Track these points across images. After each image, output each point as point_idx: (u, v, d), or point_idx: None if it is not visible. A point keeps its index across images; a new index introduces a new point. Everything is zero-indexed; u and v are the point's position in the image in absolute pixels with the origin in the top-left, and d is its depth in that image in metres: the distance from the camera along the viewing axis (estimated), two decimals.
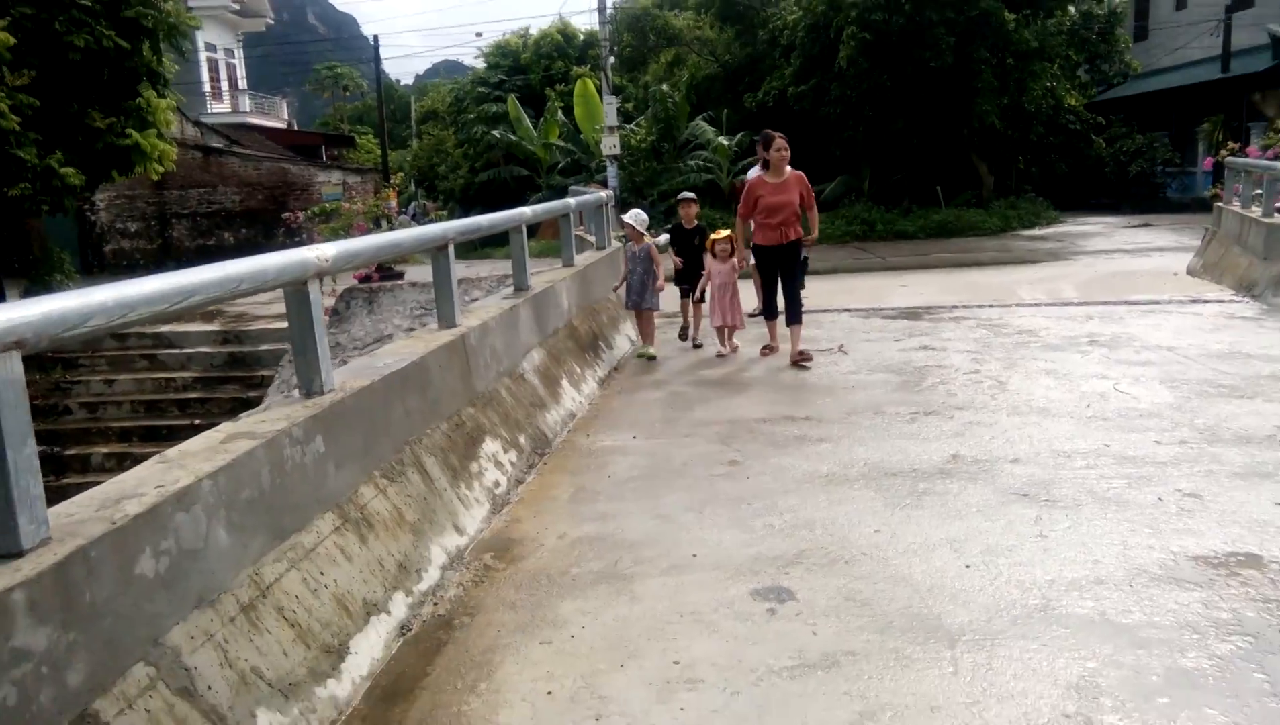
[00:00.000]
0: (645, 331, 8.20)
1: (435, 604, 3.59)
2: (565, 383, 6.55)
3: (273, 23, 42.80)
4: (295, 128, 41.94)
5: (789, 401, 6.48)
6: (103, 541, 2.32)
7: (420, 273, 12.93)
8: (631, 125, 28.18)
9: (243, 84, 38.69)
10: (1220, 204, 12.98)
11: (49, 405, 13.04)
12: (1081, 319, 9.04)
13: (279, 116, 39.89)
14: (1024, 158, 27.96)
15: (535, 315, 6.50)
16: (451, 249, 5.16)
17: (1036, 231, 23.72)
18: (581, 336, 7.58)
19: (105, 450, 12.53)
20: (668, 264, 8.51)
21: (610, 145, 23.09)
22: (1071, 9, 26.01)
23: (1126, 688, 2.82)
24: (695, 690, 2.93)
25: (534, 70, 34.06)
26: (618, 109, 24.08)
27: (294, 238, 20.80)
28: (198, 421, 11.92)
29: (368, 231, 12.90)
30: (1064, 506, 4.26)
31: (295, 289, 3.52)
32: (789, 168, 7.60)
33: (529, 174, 29.26)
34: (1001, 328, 8.78)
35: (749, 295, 8.38)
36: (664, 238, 8.89)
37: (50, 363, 13.35)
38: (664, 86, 27.20)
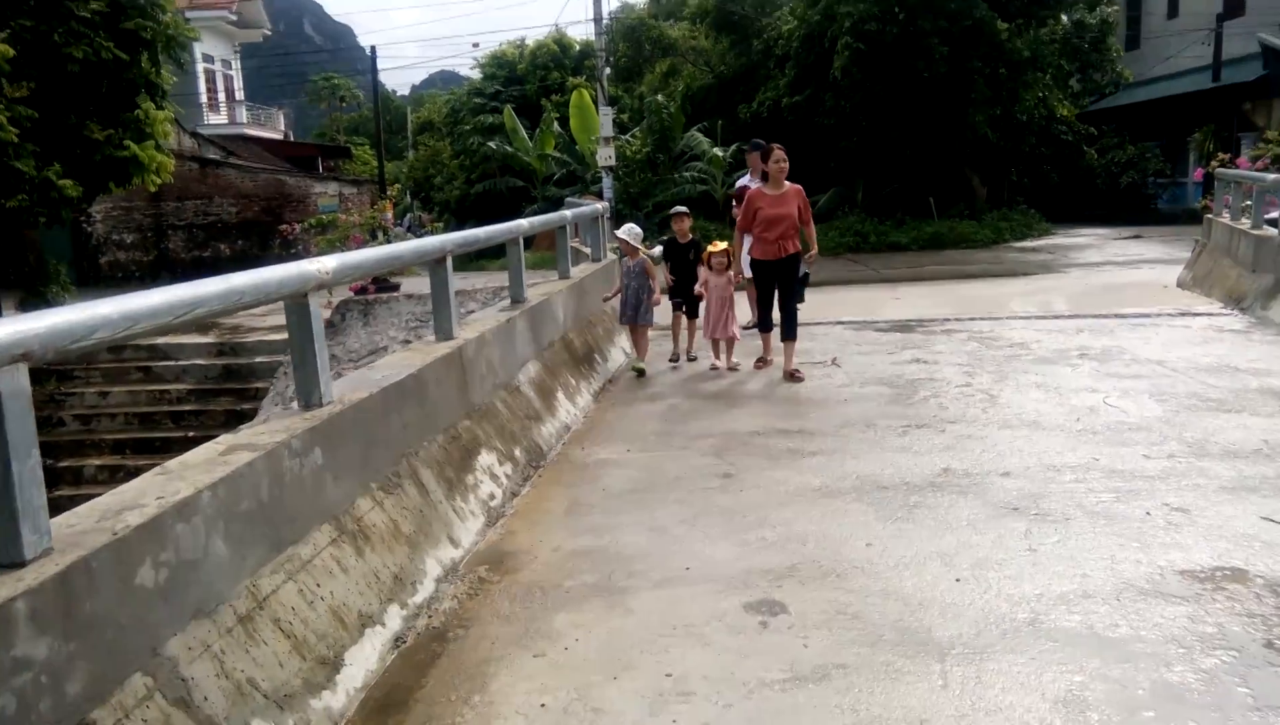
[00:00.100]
0: (639, 346, 8.23)
1: (430, 616, 3.62)
2: (560, 395, 6.59)
3: (270, 34, 42.87)
4: (292, 139, 41.97)
5: (782, 415, 6.52)
6: (104, 552, 2.36)
7: (415, 285, 12.98)
8: (627, 136, 28.28)
9: (240, 95, 38.76)
10: (1210, 216, 13.06)
11: (43, 417, 12.97)
12: (1072, 332, 9.11)
13: (275, 128, 39.94)
14: (1016, 169, 28.14)
15: (531, 328, 6.54)
16: (450, 262, 5.20)
17: (1028, 243, 23.86)
18: (577, 349, 7.62)
19: (98, 462, 12.52)
20: (662, 278, 8.52)
21: (606, 156, 23.17)
22: (1064, 18, 26.22)
23: (1113, 701, 2.86)
24: (688, 702, 2.96)
25: (530, 81, 34.18)
26: (613, 119, 24.18)
27: (290, 250, 20.83)
28: (191, 434, 11.94)
29: (364, 243, 12.95)
30: (1053, 520, 4.30)
31: (296, 301, 3.56)
32: (787, 181, 7.62)
33: (524, 185, 29.35)
34: (993, 341, 8.84)
35: (744, 309, 8.43)
36: (658, 250, 8.87)
37: (45, 375, 13.35)
38: (659, 97, 27.31)
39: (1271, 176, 11.03)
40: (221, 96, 36.52)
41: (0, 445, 2.22)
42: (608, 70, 26.14)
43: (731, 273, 7.96)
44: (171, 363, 13.93)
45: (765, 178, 7.77)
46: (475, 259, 21.66)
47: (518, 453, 5.35)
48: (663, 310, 8.51)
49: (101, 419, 13.38)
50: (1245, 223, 11.06)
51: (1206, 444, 5.33)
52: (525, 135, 28.90)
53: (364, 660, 3.18)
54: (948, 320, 10.40)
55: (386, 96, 59.90)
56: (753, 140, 10.15)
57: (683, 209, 8.72)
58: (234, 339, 14.32)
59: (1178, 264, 14.98)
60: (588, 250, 10.46)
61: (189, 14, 23.11)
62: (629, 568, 4.00)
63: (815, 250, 7.96)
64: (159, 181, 14.27)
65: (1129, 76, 30.28)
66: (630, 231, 8.19)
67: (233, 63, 38.17)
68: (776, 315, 7.83)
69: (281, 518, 3.15)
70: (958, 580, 3.72)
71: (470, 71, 39.91)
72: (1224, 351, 7.85)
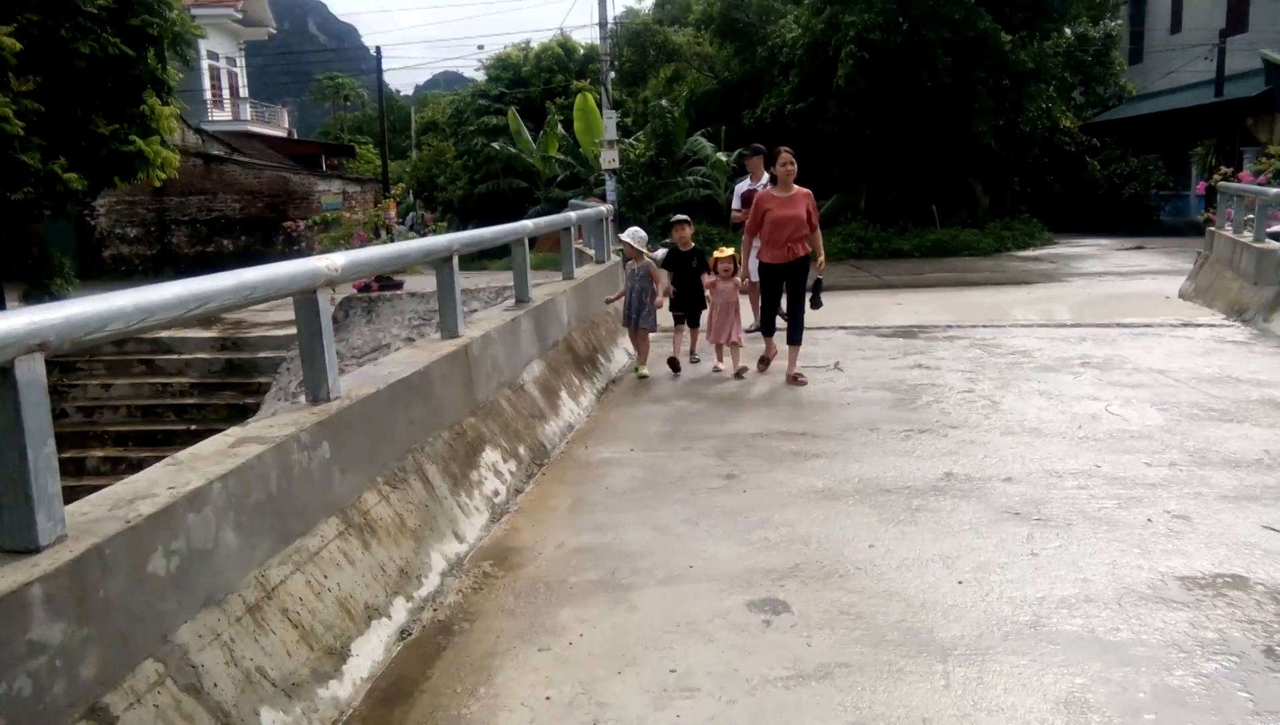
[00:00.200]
0: (641, 350, 8.22)
1: (435, 609, 3.64)
2: (564, 394, 6.61)
3: (275, 32, 42.98)
4: (295, 137, 42.07)
5: (785, 417, 6.54)
6: (117, 539, 2.38)
7: (419, 283, 13.01)
8: (630, 140, 28.34)
9: (244, 92, 38.85)
10: (1213, 228, 13.10)
11: None
12: (1075, 341, 9.13)
13: (279, 125, 40.05)
14: (1019, 179, 28.21)
15: (536, 327, 6.56)
16: (456, 261, 5.23)
17: (1031, 252, 23.90)
18: (580, 349, 7.64)
19: (101, 454, 12.54)
20: (666, 282, 8.48)
21: (609, 159, 23.22)
22: (1068, 31, 26.30)
23: (1114, 704, 2.88)
24: (692, 698, 2.98)
25: (534, 83, 34.23)
26: (617, 123, 24.22)
27: (293, 246, 20.89)
28: (194, 427, 11.97)
29: (367, 241, 13.00)
30: (1055, 525, 4.32)
31: (305, 297, 3.58)
32: (796, 185, 7.61)
33: (528, 186, 29.38)
34: (995, 348, 8.86)
35: (745, 311, 8.43)
36: (661, 252, 8.82)
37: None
38: (663, 102, 27.37)
39: (1273, 191, 11.07)
40: (226, 93, 36.63)
41: (17, 433, 2.25)
42: (612, 74, 26.19)
43: (738, 277, 7.96)
44: (175, 356, 13.96)
45: (774, 181, 7.76)
46: (478, 259, 21.70)
47: (522, 450, 5.37)
48: (663, 314, 8.50)
49: (104, 411, 13.40)
50: (1247, 236, 11.10)
51: (1208, 453, 5.36)
52: (529, 137, 28.95)
53: (370, 651, 3.20)
54: (950, 327, 10.42)
55: (390, 96, 59.97)
56: (752, 145, 10.15)
57: (684, 217, 8.65)
58: (237, 334, 14.34)
59: (1180, 275, 15.01)
60: (591, 252, 10.48)
61: (195, 11, 23.10)
62: (632, 565, 4.02)
63: (823, 258, 7.87)
64: (164, 177, 14.26)
65: (1132, 90, 30.36)
66: (635, 235, 8.19)
67: (238, 60, 38.28)
68: (780, 322, 7.84)
69: (290, 510, 3.17)
70: (960, 582, 3.74)
71: (475, 73, 40.06)
72: (1226, 362, 7.88)
